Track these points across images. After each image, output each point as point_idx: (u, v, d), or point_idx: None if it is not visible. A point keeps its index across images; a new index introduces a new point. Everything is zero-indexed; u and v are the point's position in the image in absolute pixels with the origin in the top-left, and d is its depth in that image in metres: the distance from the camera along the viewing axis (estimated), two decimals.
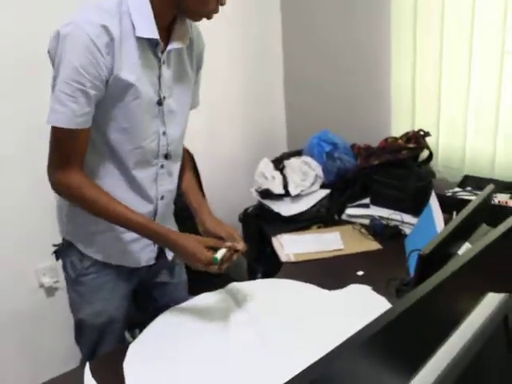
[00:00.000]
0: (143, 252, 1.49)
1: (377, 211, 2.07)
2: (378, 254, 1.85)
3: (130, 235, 1.43)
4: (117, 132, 1.31)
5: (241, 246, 1.41)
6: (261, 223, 2.18)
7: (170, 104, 1.38)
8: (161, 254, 1.55)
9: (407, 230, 1.94)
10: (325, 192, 2.17)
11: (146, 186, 1.42)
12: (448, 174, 2.15)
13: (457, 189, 2.01)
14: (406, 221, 1.96)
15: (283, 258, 1.86)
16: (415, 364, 0.79)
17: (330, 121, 2.57)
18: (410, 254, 1.57)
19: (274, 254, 1.97)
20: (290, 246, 1.92)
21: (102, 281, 1.46)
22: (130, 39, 1.24)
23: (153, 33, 1.25)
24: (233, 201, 2.59)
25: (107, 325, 1.49)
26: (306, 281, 1.64)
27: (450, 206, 1.76)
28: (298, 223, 2.09)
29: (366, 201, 2.16)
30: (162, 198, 1.47)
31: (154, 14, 1.25)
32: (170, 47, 1.31)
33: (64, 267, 1.50)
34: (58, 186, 1.32)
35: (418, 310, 0.80)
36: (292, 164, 2.22)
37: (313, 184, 2.19)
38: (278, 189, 2.17)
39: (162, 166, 1.43)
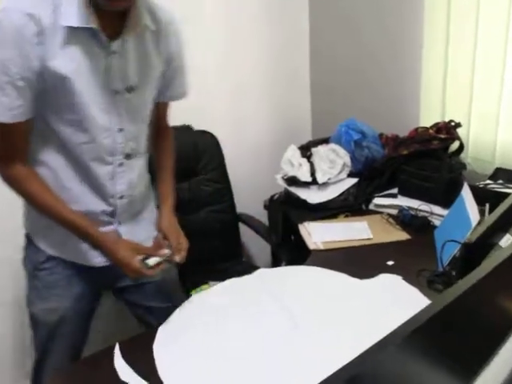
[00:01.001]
0: (94, 251, 1.40)
1: (405, 201, 2.04)
2: (407, 244, 1.84)
3: None
4: (63, 124, 1.25)
5: (178, 259, 1.41)
6: (287, 210, 2.17)
7: (129, 98, 1.30)
8: None
9: (436, 222, 1.92)
10: (352, 181, 2.15)
11: (103, 184, 1.36)
12: (478, 166, 2.12)
13: (488, 181, 1.98)
14: (435, 212, 1.94)
15: (311, 245, 1.84)
16: (458, 361, 0.77)
17: (356, 109, 2.55)
18: (445, 244, 1.55)
19: (299, 242, 1.96)
20: (318, 234, 1.90)
21: (57, 277, 1.44)
22: (65, 28, 1.16)
23: (81, 21, 1.15)
24: (258, 188, 2.58)
25: (58, 324, 1.46)
26: (335, 268, 1.64)
27: (482, 198, 1.73)
28: (325, 211, 2.08)
29: (394, 191, 2.14)
30: (122, 197, 1.40)
31: (91, 1, 1.16)
32: (120, 37, 1.23)
33: (23, 259, 1.48)
34: (4, 179, 1.29)
35: (462, 304, 0.78)
36: (319, 151, 2.21)
37: (340, 172, 2.17)
38: (304, 176, 2.16)
39: (120, 165, 1.36)
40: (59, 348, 1.49)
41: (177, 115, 2.30)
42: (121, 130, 1.32)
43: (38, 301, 1.45)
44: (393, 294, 1.48)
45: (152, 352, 1.28)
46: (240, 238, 2.44)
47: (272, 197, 2.28)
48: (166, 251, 1.38)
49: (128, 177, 1.39)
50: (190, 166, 2.30)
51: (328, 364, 1.17)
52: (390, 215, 2.03)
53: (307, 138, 2.70)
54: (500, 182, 1.95)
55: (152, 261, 1.34)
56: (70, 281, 1.44)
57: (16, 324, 2.11)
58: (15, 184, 1.28)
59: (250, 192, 2.58)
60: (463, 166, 2.03)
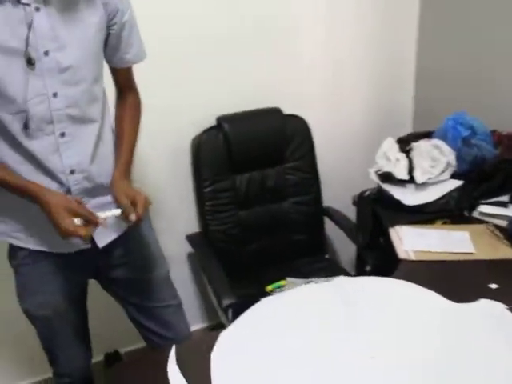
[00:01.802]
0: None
1: None
2: None
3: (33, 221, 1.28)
4: None
5: (134, 217, 1.22)
6: (377, 210, 1.96)
7: (58, 60, 1.17)
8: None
9: None
10: (456, 183, 1.90)
11: (45, 159, 1.23)
12: None
13: None
14: None
15: (401, 254, 1.64)
16: None
17: (467, 101, 2.25)
18: None
19: (388, 246, 1.76)
20: (410, 241, 1.69)
21: (40, 272, 1.36)
22: None
23: None
24: (348, 181, 2.39)
25: (52, 317, 1.39)
26: (426, 285, 1.43)
27: None
28: (421, 215, 1.84)
29: (505, 198, 1.86)
30: (73, 172, 1.27)
31: None
32: None
33: (8, 257, 1.41)
34: None
35: None
36: (420, 147, 1.97)
37: (443, 172, 1.92)
38: (401, 173, 1.94)
39: (62, 135, 1.22)
40: (62, 340, 1.45)
41: (265, 96, 2.18)
42: (55, 94, 1.19)
43: (26, 297, 1.40)
44: (493, 327, 1.26)
45: (209, 360, 1.17)
46: (325, 234, 2.28)
47: (362, 193, 2.07)
48: (99, 219, 1.22)
49: (76, 148, 1.26)
50: (276, 152, 2.16)
51: None
52: (496, 227, 1.77)
53: (407, 130, 2.44)
54: None
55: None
56: (54, 273, 1.37)
57: None
58: None
59: (338, 184, 2.39)
60: None
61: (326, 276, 2.09)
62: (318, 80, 2.34)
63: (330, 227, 2.28)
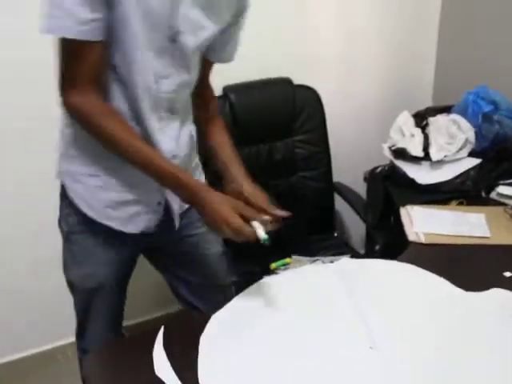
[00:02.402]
0: (136, 218, 1.27)
1: None
2: None
3: (122, 194, 1.23)
4: (121, 60, 1.09)
5: (272, 227, 1.13)
6: (389, 188, 1.86)
7: (185, 43, 1.13)
8: (165, 223, 1.31)
9: None
10: (474, 161, 1.78)
11: (155, 138, 1.19)
12: None
13: None
14: None
15: (411, 236, 1.55)
16: None
17: (490, 74, 2.11)
18: None
19: (398, 227, 1.67)
20: (421, 223, 1.59)
21: (93, 242, 1.28)
22: None
23: None
24: (360, 156, 2.28)
25: (96, 290, 1.33)
26: (436, 270, 1.34)
27: None
28: (435, 195, 1.74)
29: None
30: (174, 157, 1.23)
31: None
32: None
33: (58, 220, 1.33)
34: (71, 111, 1.11)
35: None
36: (438, 122, 1.85)
37: (460, 149, 1.81)
38: (416, 150, 1.83)
39: (162, 118, 1.20)
40: (98, 316, 1.38)
41: (274, 65, 2.06)
42: (167, 76, 1.16)
43: (73, 266, 1.33)
44: (503, 319, 1.17)
45: (198, 344, 1.11)
46: (334, 210, 2.19)
47: (374, 169, 1.97)
48: (266, 217, 1.12)
49: (174, 133, 1.24)
50: (285, 124, 2.06)
51: None
52: None
53: (426, 103, 2.30)
54: None
55: (262, 231, 1.09)
56: (108, 245, 1.29)
57: None
58: (90, 118, 1.09)
59: (349, 160, 2.29)
60: None
61: (334, 254, 2.03)
62: (331, 51, 2.21)
63: (340, 204, 2.19)
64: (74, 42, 1.02)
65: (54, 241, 1.35)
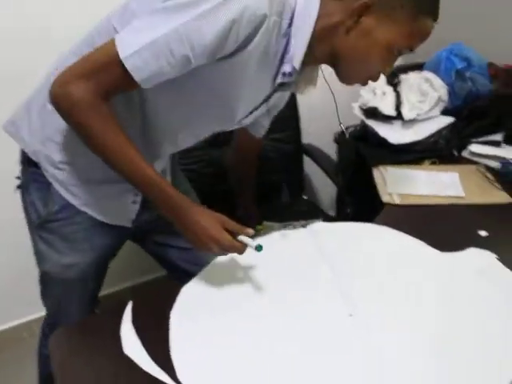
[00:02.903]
0: (122, 208, 1.20)
1: (510, 153, 1.63)
2: (508, 210, 1.45)
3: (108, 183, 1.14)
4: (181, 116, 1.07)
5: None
6: (361, 148, 1.81)
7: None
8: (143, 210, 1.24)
9: None
10: (447, 119, 1.74)
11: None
12: None
13: None
14: None
15: (385, 197, 1.51)
16: None
17: (461, 30, 2.06)
18: None
19: (370, 188, 1.62)
20: (394, 184, 1.56)
21: (74, 229, 1.17)
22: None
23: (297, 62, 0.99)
24: (330, 116, 2.20)
25: (77, 281, 1.23)
26: (410, 231, 1.31)
27: None
28: (408, 155, 1.70)
29: (498, 137, 1.72)
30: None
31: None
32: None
33: (25, 209, 1.20)
34: (65, 97, 0.92)
35: None
36: (410, 80, 1.80)
37: (432, 108, 1.76)
38: (388, 109, 1.77)
39: None
40: (74, 307, 1.28)
41: None
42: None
43: (53, 256, 1.19)
44: (482, 278, 1.15)
45: (168, 319, 1.04)
46: (303, 173, 2.13)
47: (345, 129, 1.91)
48: (250, 230, 1.06)
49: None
50: None
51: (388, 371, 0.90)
52: (488, 168, 1.64)
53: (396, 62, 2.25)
54: None
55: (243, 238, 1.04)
56: (91, 232, 1.19)
57: None
58: (89, 112, 0.93)
59: (319, 120, 2.21)
60: None
61: (305, 219, 1.98)
62: None
63: (310, 166, 2.13)
64: (125, 73, 0.90)
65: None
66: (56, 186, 1.12)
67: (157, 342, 0.98)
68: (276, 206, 2.05)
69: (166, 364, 0.93)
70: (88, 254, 1.21)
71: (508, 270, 1.17)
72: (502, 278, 1.15)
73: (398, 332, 0.99)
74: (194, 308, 1.06)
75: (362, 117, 1.84)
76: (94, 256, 1.22)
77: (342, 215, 2.02)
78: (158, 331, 1.01)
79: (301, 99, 2.02)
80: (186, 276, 1.19)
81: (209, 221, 1.01)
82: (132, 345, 0.97)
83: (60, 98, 0.92)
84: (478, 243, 1.27)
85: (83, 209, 1.15)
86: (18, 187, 1.20)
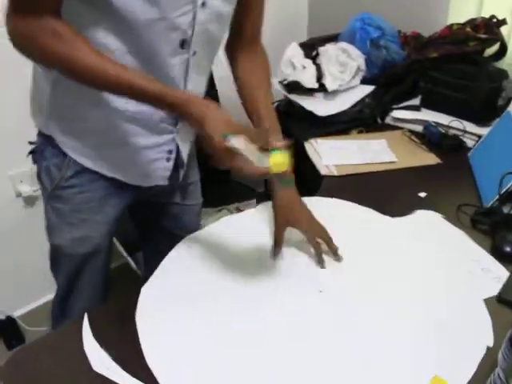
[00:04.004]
0: (154, 168, 1.12)
1: (429, 115, 1.70)
2: (439, 169, 1.51)
3: (137, 145, 1.05)
4: None
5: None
6: (287, 123, 1.79)
7: None
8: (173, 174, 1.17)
9: (469, 142, 1.60)
10: (368, 88, 1.78)
11: (174, 81, 0.99)
12: None
13: None
14: (468, 130, 1.61)
15: (322, 170, 1.51)
16: None
17: (366, 0, 2.10)
18: (502, 177, 1.24)
19: (303, 163, 1.62)
20: (328, 156, 1.56)
21: (88, 197, 1.09)
22: None
23: None
24: None
25: (90, 255, 1.15)
26: (356, 201, 1.32)
27: None
28: (335, 126, 1.71)
29: (416, 102, 1.78)
30: None
31: None
32: None
33: (38, 175, 1.12)
34: (16, 36, 0.85)
35: None
36: (328, 51, 1.80)
37: (353, 78, 1.79)
38: (310, 81, 1.77)
39: (194, 54, 0.99)
40: (87, 286, 1.19)
41: None
42: (203, 4, 0.93)
43: (65, 228, 1.11)
44: (436, 238, 1.19)
45: (132, 324, 0.96)
46: None
47: None
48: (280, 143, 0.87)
49: (197, 77, 1.04)
50: None
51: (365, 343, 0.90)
52: (412, 132, 1.69)
53: (304, 36, 2.26)
54: None
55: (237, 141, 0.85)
56: (105, 201, 1.11)
57: None
58: (41, 40, 0.84)
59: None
60: (505, 73, 1.67)
61: (239, 201, 1.95)
62: None
63: None
64: None
65: None
66: (70, 152, 1.04)
67: (127, 351, 0.90)
68: (204, 192, 1.99)
69: (142, 372, 0.86)
70: (101, 227, 1.13)
71: (453, 226, 1.22)
72: (450, 234, 1.20)
73: (369, 305, 0.99)
74: (158, 309, 0.99)
75: (285, 92, 1.82)
76: (107, 229, 1.15)
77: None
78: (126, 339, 0.93)
79: (218, 83, 1.96)
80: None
81: (211, 121, 0.85)
82: (100, 360, 0.89)
83: (11, 36, 0.84)
84: (421, 205, 1.31)
85: (99, 170, 1.07)
86: (31, 152, 1.11)
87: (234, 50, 1.18)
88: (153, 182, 1.15)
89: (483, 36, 1.65)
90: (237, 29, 1.14)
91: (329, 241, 1.11)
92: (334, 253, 1.10)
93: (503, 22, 1.67)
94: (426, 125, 1.66)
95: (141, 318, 0.96)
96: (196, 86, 1.05)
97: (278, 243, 1.12)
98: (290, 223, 1.13)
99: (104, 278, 1.24)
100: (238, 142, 0.84)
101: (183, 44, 0.95)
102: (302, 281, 1.04)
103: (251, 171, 0.85)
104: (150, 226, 1.40)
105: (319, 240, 1.11)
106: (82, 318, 0.96)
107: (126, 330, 0.94)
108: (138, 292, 1.03)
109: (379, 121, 1.77)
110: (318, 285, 1.03)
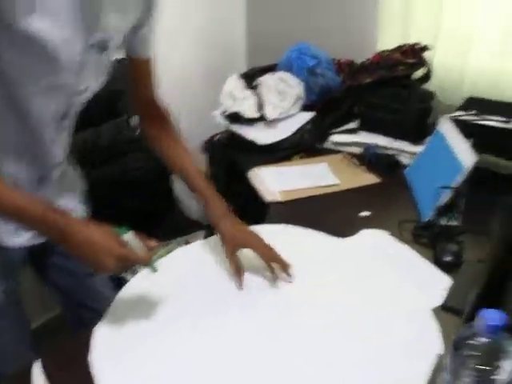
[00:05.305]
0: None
1: (367, 138, 1.78)
2: (379, 189, 1.58)
3: None
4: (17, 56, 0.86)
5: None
6: (231, 154, 1.83)
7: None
8: None
9: (405, 160, 1.68)
10: (308, 115, 1.84)
11: (45, 143, 1.01)
12: (445, 95, 1.87)
13: (458, 113, 1.73)
14: (404, 149, 1.69)
15: (268, 196, 1.54)
16: None
17: (301, 31, 2.19)
18: (438, 191, 1.30)
19: (248, 191, 1.65)
20: (273, 183, 1.60)
21: None
22: None
23: None
24: (194, 128, 2.20)
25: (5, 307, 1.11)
26: (302, 224, 1.35)
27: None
28: (277, 153, 1.76)
29: (354, 125, 1.86)
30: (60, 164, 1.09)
31: None
32: None
33: None
34: None
35: None
36: (267, 81, 1.86)
37: (293, 106, 1.85)
38: (250, 111, 1.82)
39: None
40: (9, 340, 1.13)
41: None
42: (86, 89, 1.00)
43: None
44: (383, 254, 1.23)
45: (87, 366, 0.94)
46: (172, 188, 2.09)
47: (211, 138, 1.93)
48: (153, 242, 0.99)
49: (65, 139, 1.07)
50: (107, 105, 1.88)
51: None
52: (352, 154, 1.76)
53: (242, 67, 2.32)
54: (473, 112, 1.71)
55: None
56: None
57: None
58: None
59: (184, 133, 2.19)
60: (432, 95, 1.77)
61: (186, 234, 1.95)
62: None
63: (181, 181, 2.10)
64: None
65: None
66: None
67: None
68: (150, 228, 1.97)
69: None
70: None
71: (399, 242, 1.27)
72: (397, 250, 1.25)
73: (322, 324, 1.01)
74: (113, 347, 0.97)
75: (226, 123, 1.86)
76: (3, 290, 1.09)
77: None
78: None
79: None
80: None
81: (101, 235, 0.92)
82: None
83: None
84: (363, 224, 1.36)
85: None
86: None
87: (144, 126, 1.24)
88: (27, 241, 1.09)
89: (411, 61, 1.75)
90: (136, 104, 1.21)
91: (281, 262, 1.12)
92: (287, 273, 1.12)
93: (426, 47, 1.78)
94: (365, 147, 1.72)
95: (96, 360, 0.94)
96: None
97: (235, 271, 1.12)
98: (241, 245, 1.14)
99: (27, 339, 1.20)
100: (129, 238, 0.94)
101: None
102: (253, 306, 1.06)
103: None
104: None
105: (273, 264, 1.12)
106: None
107: (77, 374, 0.92)
108: (88, 335, 1.01)
109: (320, 146, 1.83)
110: (270, 311, 1.04)
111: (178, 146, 1.24)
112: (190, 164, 1.22)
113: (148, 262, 0.97)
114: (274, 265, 1.12)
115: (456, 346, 0.72)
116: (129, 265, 0.96)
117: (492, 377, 0.68)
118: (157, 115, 1.22)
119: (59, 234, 0.90)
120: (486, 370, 0.69)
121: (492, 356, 0.69)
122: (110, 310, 1.07)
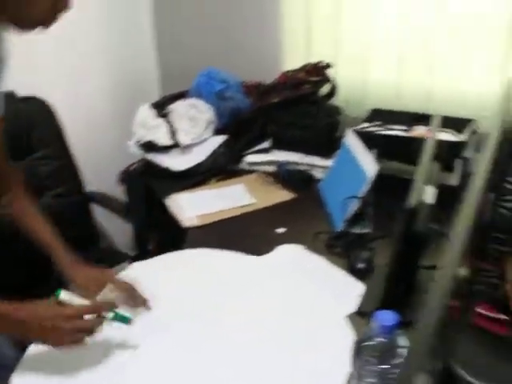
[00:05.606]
0: None
1: (280, 155, 1.82)
2: (294, 204, 1.62)
3: None
4: None
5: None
6: (148, 183, 1.82)
7: None
8: None
9: (318, 174, 1.73)
10: (220, 138, 1.86)
11: None
12: (351, 109, 1.95)
13: (364, 124, 1.81)
14: (316, 164, 1.74)
15: (185, 222, 1.54)
16: None
17: (210, 58, 2.23)
18: (343, 202, 1.35)
19: (169, 218, 1.65)
20: (190, 208, 1.60)
21: None
22: None
23: None
24: (110, 159, 2.18)
25: None
26: (220, 246, 1.37)
27: (367, 143, 1.56)
28: (193, 178, 1.77)
29: (266, 145, 1.90)
30: None
31: None
32: None
33: None
34: None
35: None
36: (178, 109, 1.87)
37: (205, 130, 1.87)
38: (164, 139, 1.82)
39: None
40: None
41: None
42: None
43: None
44: (299, 268, 1.26)
45: None
46: (93, 222, 2.05)
47: (127, 168, 1.91)
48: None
49: None
50: (20, 142, 1.83)
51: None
52: (266, 173, 1.79)
53: (156, 95, 2.33)
54: (378, 123, 1.79)
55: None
56: None
57: None
58: None
59: (100, 166, 2.17)
60: (338, 109, 1.84)
61: (110, 266, 1.90)
62: (50, 53, 2.04)
63: (100, 212, 2.07)
64: None
65: None
66: None
67: None
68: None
69: None
70: None
71: (314, 254, 1.31)
72: (312, 262, 1.28)
73: (241, 340, 1.03)
74: None
75: (141, 152, 1.85)
76: None
77: (143, 253, 2.00)
78: None
79: (76, 150, 1.95)
80: None
81: (43, 308, 0.93)
82: None
83: None
84: (280, 240, 1.39)
85: None
86: None
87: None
88: None
89: (315, 79, 1.82)
90: None
91: (135, 294, 1.12)
92: (143, 303, 1.12)
93: (328, 65, 1.85)
94: (278, 164, 1.76)
95: None
96: None
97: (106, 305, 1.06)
98: (100, 285, 1.14)
99: None
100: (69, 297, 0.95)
101: None
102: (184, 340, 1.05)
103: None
104: None
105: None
106: None
107: None
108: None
109: (235, 167, 1.85)
110: (194, 330, 1.05)
111: (26, 205, 1.25)
112: (38, 222, 1.24)
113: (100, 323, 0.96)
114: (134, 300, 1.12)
115: (357, 349, 0.74)
116: (84, 325, 0.94)
117: (391, 375, 0.71)
118: (8, 182, 1.24)
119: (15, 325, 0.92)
120: (385, 368, 0.72)
121: (389, 354, 0.72)
122: (27, 353, 1.03)
